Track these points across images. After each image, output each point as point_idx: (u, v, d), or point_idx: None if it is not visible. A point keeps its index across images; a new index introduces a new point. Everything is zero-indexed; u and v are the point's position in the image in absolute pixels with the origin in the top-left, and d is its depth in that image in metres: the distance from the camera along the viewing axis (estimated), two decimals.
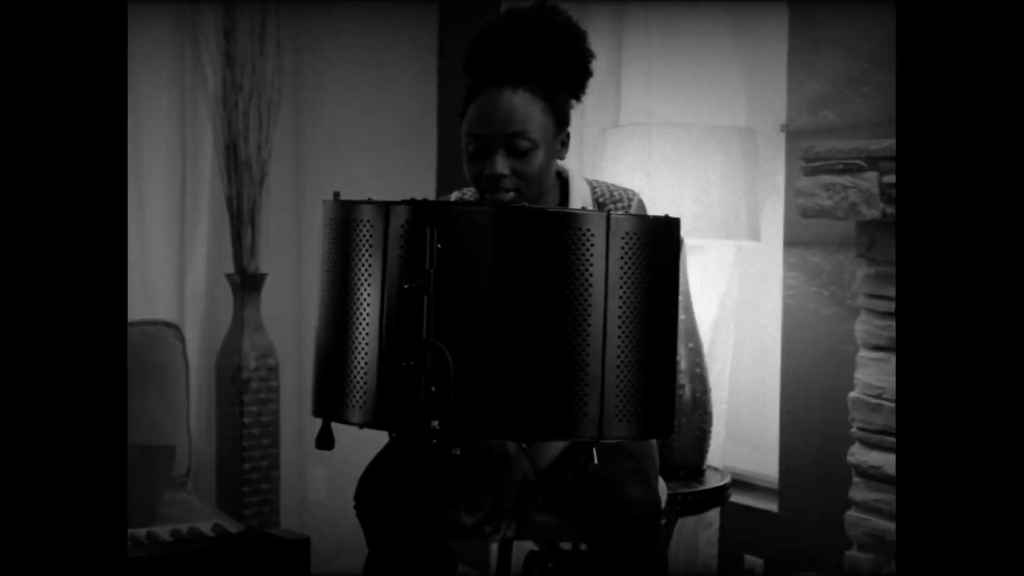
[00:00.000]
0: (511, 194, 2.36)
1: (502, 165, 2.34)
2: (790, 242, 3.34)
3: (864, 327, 2.95)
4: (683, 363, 3.18)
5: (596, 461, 1.87)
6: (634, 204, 2.51)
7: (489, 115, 2.35)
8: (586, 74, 2.46)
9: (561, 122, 2.41)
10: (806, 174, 2.97)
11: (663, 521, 2.44)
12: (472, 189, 2.53)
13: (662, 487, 2.61)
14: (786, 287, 3.35)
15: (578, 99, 2.48)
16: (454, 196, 2.62)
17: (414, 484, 2.33)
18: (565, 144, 2.45)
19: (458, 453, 1.81)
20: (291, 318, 4.17)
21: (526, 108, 2.34)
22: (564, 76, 2.41)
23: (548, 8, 2.43)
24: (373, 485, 2.44)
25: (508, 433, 1.90)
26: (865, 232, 2.94)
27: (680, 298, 2.66)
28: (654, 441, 2.60)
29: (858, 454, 2.98)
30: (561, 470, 2.41)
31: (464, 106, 2.40)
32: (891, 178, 2.77)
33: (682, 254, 2.64)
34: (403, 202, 1.86)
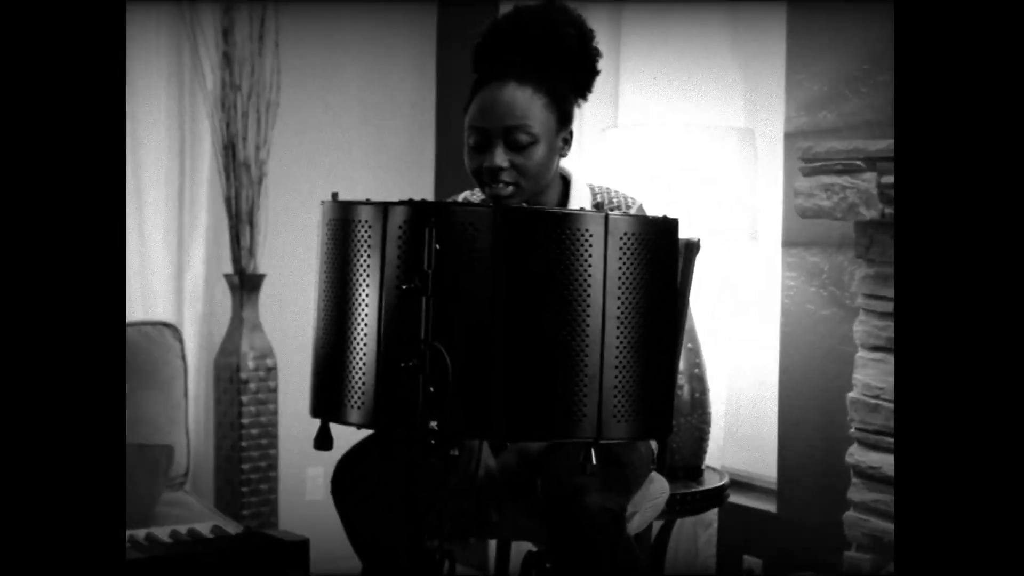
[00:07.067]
0: (510, 188, 2.35)
1: (501, 158, 2.34)
2: (789, 242, 3.34)
3: (863, 327, 2.95)
4: (682, 363, 3.17)
5: (595, 462, 1.86)
6: (633, 210, 2.51)
7: (490, 108, 2.34)
8: (592, 73, 2.45)
9: (563, 120, 2.40)
10: (805, 174, 2.96)
11: (632, 528, 2.37)
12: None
13: (663, 487, 2.60)
14: (785, 287, 3.35)
15: (584, 98, 2.47)
16: (462, 197, 2.62)
17: (393, 475, 2.32)
18: (568, 142, 2.44)
19: (456, 454, 1.81)
20: (290, 318, 4.16)
21: (527, 102, 2.33)
22: (568, 74, 2.41)
23: (556, 7, 2.43)
24: (351, 469, 2.39)
25: (506, 434, 1.90)
26: (864, 233, 2.94)
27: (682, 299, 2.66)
28: (651, 446, 2.59)
29: (857, 454, 2.97)
30: (533, 475, 2.35)
31: (468, 101, 2.40)
32: (890, 178, 2.77)
33: (696, 257, 2.62)
34: (401, 202, 1.86)
